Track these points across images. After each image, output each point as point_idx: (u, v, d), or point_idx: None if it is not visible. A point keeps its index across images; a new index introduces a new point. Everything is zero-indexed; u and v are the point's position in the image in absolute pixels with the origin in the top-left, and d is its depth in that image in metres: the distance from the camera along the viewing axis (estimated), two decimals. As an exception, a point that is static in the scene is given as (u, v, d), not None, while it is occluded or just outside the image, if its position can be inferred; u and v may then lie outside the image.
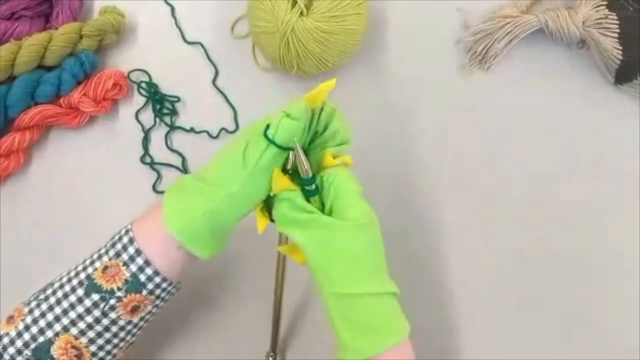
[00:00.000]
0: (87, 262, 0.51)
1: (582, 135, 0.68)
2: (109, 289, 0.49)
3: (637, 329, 0.62)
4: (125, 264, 0.49)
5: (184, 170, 0.68)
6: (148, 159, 0.68)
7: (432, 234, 0.66)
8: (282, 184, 0.50)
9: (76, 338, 0.49)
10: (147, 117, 0.70)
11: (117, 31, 0.70)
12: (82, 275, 0.50)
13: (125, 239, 0.50)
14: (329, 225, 0.48)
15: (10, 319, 0.50)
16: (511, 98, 0.69)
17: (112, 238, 0.52)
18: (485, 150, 0.68)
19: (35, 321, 0.49)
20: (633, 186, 0.66)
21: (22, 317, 0.50)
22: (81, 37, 0.68)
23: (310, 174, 0.49)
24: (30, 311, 0.50)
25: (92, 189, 0.68)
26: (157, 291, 0.51)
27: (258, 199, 0.51)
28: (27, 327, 0.49)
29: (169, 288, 0.51)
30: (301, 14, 0.63)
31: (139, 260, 0.49)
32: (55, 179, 0.68)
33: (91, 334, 0.50)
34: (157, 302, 0.52)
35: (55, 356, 0.49)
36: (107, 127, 0.70)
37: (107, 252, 0.50)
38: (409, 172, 0.67)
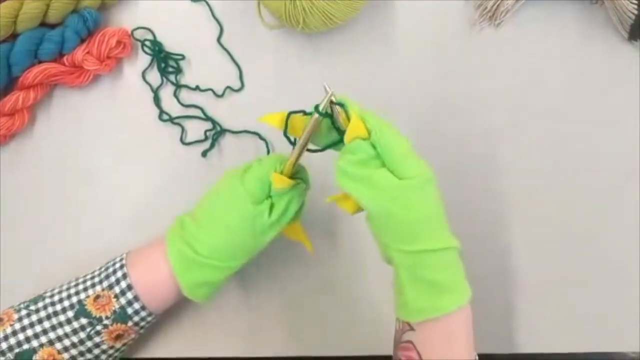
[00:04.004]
0: (80, 287, 0.54)
1: (596, 92, 0.67)
2: (97, 316, 0.53)
3: None
4: (116, 296, 0.53)
5: (208, 118, 0.68)
6: (165, 116, 0.68)
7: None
8: (358, 130, 0.49)
9: (59, 352, 0.53)
10: (152, 76, 0.69)
11: (120, -12, 0.69)
12: (74, 299, 0.53)
13: (119, 273, 0.54)
14: (391, 185, 0.48)
15: None
16: (522, 55, 0.68)
17: (107, 268, 0.55)
18: (495, 109, 0.67)
19: (23, 329, 0.53)
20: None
21: (11, 323, 0.53)
22: (84, -7, 0.67)
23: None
24: (20, 319, 0.53)
25: (102, 148, 0.68)
26: (142, 323, 0.55)
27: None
28: (14, 333, 0.53)
29: (152, 319, 0.56)
30: (307, -33, 0.61)
31: (129, 295, 0.53)
32: (61, 138, 0.68)
33: (74, 351, 0.53)
34: (140, 330, 0.56)
35: None
36: (112, 85, 0.69)
37: (100, 282, 0.54)
38: (415, 133, 0.66)
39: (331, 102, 0.50)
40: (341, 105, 0.50)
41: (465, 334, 0.50)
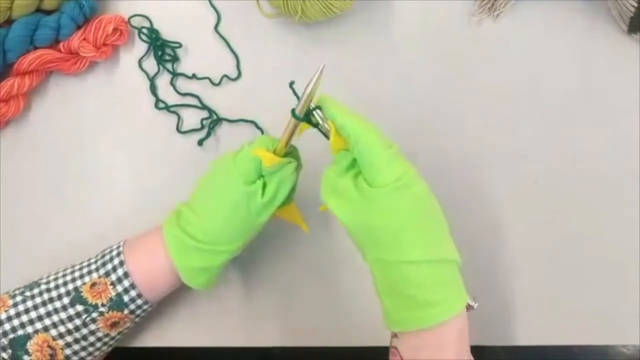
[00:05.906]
0: (77, 274, 0.54)
1: (596, 86, 0.66)
2: (93, 303, 0.53)
3: None
4: (112, 283, 0.53)
5: (204, 107, 0.67)
6: (162, 105, 0.67)
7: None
8: (338, 144, 0.49)
9: (54, 339, 0.53)
10: (149, 64, 0.69)
11: (117, -25, 0.69)
12: (70, 286, 0.53)
13: (116, 261, 0.54)
14: (361, 195, 0.47)
15: None
16: (521, 47, 0.68)
17: (104, 255, 0.55)
18: (494, 102, 0.67)
19: (18, 315, 0.52)
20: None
21: (6, 308, 0.53)
22: (80, -20, 0.67)
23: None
24: (15, 304, 0.53)
25: (98, 136, 0.67)
26: (138, 311, 0.55)
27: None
28: (9, 318, 0.52)
29: (148, 308, 0.56)
30: (306, -45, 0.61)
31: (126, 283, 0.53)
32: (57, 125, 0.67)
33: (69, 338, 0.53)
34: (136, 319, 0.56)
35: (30, 351, 0.52)
36: (108, 73, 0.69)
37: (97, 269, 0.54)
38: (413, 122, 0.66)
39: (313, 109, 0.50)
40: (319, 108, 0.50)
41: (454, 343, 0.47)
